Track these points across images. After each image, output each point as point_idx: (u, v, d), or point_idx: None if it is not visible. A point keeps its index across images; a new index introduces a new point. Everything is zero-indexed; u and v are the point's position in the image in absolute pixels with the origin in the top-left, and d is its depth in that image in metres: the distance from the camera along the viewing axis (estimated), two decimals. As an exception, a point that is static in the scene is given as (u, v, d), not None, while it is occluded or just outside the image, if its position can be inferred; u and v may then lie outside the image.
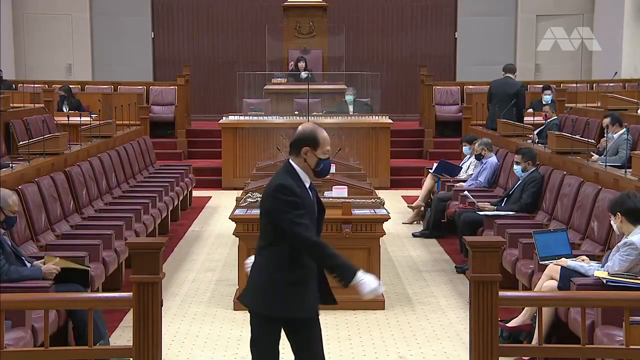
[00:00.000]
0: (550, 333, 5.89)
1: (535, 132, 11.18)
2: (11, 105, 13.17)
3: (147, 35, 20.28)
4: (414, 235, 10.40)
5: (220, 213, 11.79)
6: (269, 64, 17.75)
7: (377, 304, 7.20)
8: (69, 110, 14.57)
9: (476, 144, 10.45)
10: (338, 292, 4.45)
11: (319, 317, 4.34)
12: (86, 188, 8.78)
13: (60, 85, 15.44)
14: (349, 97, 14.62)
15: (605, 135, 9.94)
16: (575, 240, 7.16)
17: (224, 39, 20.45)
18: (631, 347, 4.19)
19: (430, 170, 11.22)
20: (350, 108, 14.56)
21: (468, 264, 4.31)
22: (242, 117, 14.41)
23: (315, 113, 14.48)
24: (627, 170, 7.40)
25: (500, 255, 6.93)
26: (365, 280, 4.12)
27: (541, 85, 15.47)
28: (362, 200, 7.61)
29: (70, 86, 15.53)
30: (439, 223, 10.24)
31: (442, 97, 16.92)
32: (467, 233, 8.25)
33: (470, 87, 17.11)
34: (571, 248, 6.58)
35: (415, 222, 11.13)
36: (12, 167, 7.91)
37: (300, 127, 4.39)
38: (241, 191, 8.54)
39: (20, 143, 9.73)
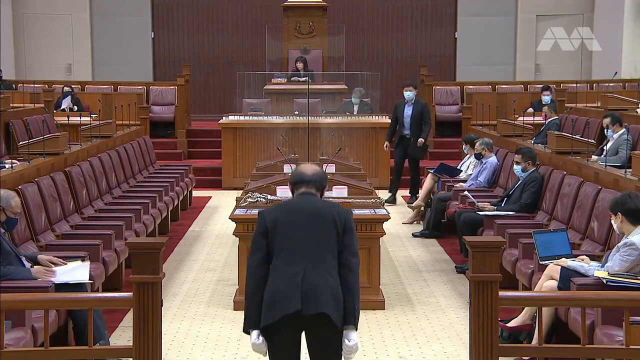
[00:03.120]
0: (550, 333, 5.89)
1: (533, 140, 11.16)
2: (11, 105, 13.17)
3: (147, 35, 20.28)
4: (414, 235, 10.40)
5: (220, 213, 11.79)
6: (269, 64, 17.74)
7: (377, 304, 7.21)
8: (71, 104, 14.62)
9: (477, 144, 10.45)
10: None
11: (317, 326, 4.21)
12: (86, 188, 8.78)
13: (64, 85, 15.52)
14: (355, 99, 14.60)
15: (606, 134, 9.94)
16: (575, 240, 7.16)
17: (224, 39, 20.46)
18: (631, 347, 4.19)
19: (430, 171, 11.23)
20: (356, 109, 14.55)
21: (468, 264, 4.31)
22: (242, 117, 14.41)
23: (329, 110, 14.53)
24: (627, 170, 7.40)
25: (500, 255, 6.94)
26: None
27: (541, 86, 15.48)
28: (362, 200, 7.61)
29: (72, 86, 15.65)
30: (439, 223, 10.24)
31: (442, 97, 16.93)
32: (467, 233, 8.25)
33: (470, 87, 17.13)
34: (571, 248, 6.57)
35: (415, 222, 11.13)
36: (12, 166, 7.91)
37: (317, 169, 4.49)
38: (241, 191, 8.54)
39: (20, 143, 9.73)
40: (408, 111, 12.42)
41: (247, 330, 4.23)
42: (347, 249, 4.25)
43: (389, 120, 14.15)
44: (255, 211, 7.23)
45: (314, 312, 4.13)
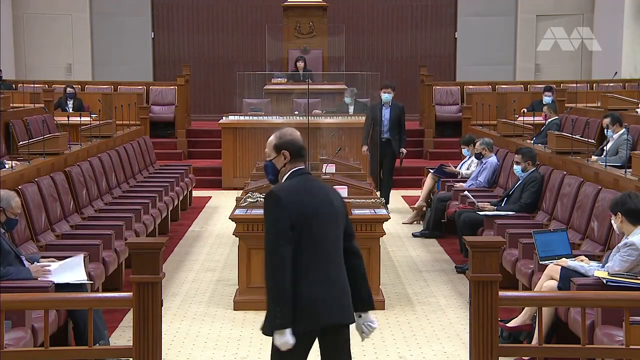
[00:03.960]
0: (550, 333, 5.90)
1: (533, 140, 11.14)
2: (11, 105, 13.18)
3: (147, 35, 20.29)
4: (414, 235, 10.40)
5: (220, 213, 11.79)
6: (269, 64, 17.76)
7: (377, 304, 7.17)
8: (72, 108, 14.65)
9: (477, 143, 10.44)
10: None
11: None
12: (86, 188, 8.78)
13: (65, 85, 15.55)
14: (347, 99, 14.56)
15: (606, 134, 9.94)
16: (575, 240, 7.16)
17: (224, 39, 20.46)
18: (631, 347, 4.19)
19: (430, 170, 11.23)
20: (351, 109, 14.55)
21: (468, 264, 4.31)
22: (242, 117, 14.41)
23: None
24: (627, 170, 7.40)
25: (500, 255, 6.94)
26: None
27: (541, 86, 15.49)
28: (362, 200, 7.61)
29: (74, 86, 15.67)
30: (439, 223, 10.24)
31: (442, 97, 16.93)
32: (467, 233, 8.25)
33: (470, 87, 17.13)
34: (571, 248, 6.58)
35: (415, 222, 11.13)
36: (12, 166, 7.91)
37: (297, 133, 4.24)
38: (241, 191, 8.54)
39: (20, 143, 9.73)
40: (387, 114, 11.85)
41: (280, 328, 3.90)
42: (351, 236, 4.20)
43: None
44: (255, 211, 7.24)
45: (348, 322, 4.11)
